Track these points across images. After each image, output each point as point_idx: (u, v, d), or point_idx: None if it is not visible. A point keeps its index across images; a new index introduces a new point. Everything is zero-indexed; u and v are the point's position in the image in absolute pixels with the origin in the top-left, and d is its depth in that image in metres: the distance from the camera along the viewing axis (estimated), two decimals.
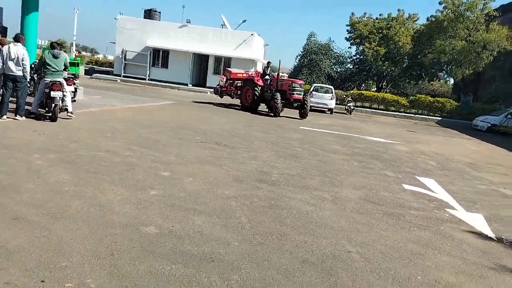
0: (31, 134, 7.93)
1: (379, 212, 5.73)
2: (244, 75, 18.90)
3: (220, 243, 4.04)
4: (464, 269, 4.16)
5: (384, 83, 50.04)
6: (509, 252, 4.80)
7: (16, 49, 8.59)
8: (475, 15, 31.45)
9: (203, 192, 5.61)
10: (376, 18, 47.13)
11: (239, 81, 19.07)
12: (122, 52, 30.00)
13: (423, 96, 29.50)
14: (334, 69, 48.41)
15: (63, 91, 9.31)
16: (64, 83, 9.55)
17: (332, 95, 24.02)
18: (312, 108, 23.91)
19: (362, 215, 5.53)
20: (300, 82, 18.42)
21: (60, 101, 9.33)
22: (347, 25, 48.64)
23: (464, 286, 3.80)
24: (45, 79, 9.38)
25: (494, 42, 29.73)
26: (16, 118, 8.96)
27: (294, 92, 17.40)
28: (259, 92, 17.47)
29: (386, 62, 43.77)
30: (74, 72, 12.01)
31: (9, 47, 8.61)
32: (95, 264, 3.31)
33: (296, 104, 17.60)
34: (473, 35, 30.82)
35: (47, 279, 3.01)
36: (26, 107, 9.48)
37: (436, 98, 28.55)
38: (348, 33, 48.87)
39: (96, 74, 30.49)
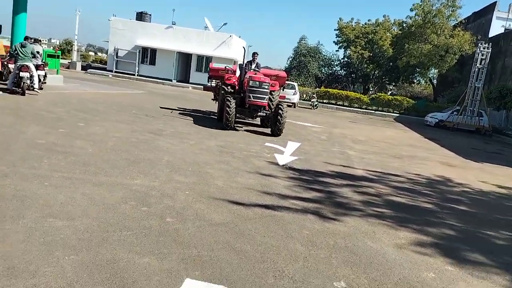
0: None
1: (218, 151, 8.48)
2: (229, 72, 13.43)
3: (81, 149, 6.87)
4: (227, 169, 6.92)
5: (371, 85, 52.61)
6: (275, 168, 7.55)
7: None
8: (442, 22, 33.94)
9: (98, 133, 8.45)
10: (365, 23, 49.81)
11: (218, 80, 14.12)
12: (114, 50, 33.21)
13: (382, 94, 32.11)
14: (323, 71, 51.25)
15: (30, 72, 12.29)
16: (32, 66, 12.52)
17: (295, 91, 26.75)
18: None
19: (202, 150, 8.31)
20: (263, 79, 11.70)
21: (28, 80, 12.30)
22: (335, 30, 51.59)
23: (216, 176, 6.55)
24: (17, 63, 12.37)
25: (456, 46, 32.20)
26: None
27: (251, 95, 11.51)
28: (227, 95, 11.86)
29: (370, 65, 46.58)
30: (44, 61, 15.03)
31: None
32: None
33: (259, 113, 11.87)
34: (438, 39, 33.30)
35: None
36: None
37: (394, 96, 31.07)
38: (336, 37, 51.86)
39: (91, 70, 33.69)
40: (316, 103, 28.20)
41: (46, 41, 73.48)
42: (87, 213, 4.19)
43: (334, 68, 52.64)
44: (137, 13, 35.21)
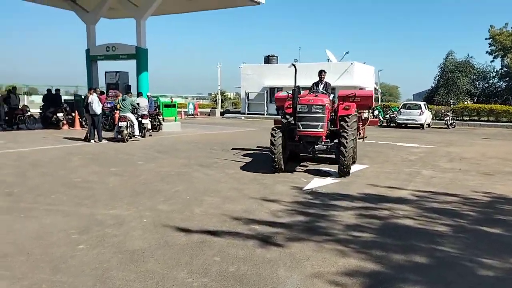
0: (94, 149, 12.57)
1: (250, 179, 8.26)
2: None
3: (105, 184, 7.48)
4: (230, 196, 6.68)
5: None
6: (292, 193, 6.99)
7: (91, 97, 13.66)
8: None
9: (145, 170, 9.09)
10: None
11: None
12: (245, 94, 35.58)
13: None
14: (477, 85, 45.51)
15: (128, 122, 14.01)
16: (131, 116, 14.27)
17: (421, 111, 24.40)
18: (402, 124, 24.81)
19: (231, 179, 8.20)
20: (313, 100, 8.88)
21: (127, 129, 14.01)
22: (486, 39, 46.27)
23: (205, 204, 6.40)
24: (120, 114, 14.27)
25: None
26: (95, 141, 13.92)
27: (300, 124, 8.89)
28: (273, 126, 9.65)
29: None
30: (158, 111, 17.56)
31: (88, 96, 13.79)
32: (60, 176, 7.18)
33: (317, 147, 9.05)
34: None
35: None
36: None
37: None
38: (489, 46, 46.42)
39: (227, 114, 36.61)
40: (451, 121, 25.20)
41: (195, 95, 79.63)
42: (15, 240, 4.54)
43: (491, 81, 46.45)
44: (265, 57, 37.41)
